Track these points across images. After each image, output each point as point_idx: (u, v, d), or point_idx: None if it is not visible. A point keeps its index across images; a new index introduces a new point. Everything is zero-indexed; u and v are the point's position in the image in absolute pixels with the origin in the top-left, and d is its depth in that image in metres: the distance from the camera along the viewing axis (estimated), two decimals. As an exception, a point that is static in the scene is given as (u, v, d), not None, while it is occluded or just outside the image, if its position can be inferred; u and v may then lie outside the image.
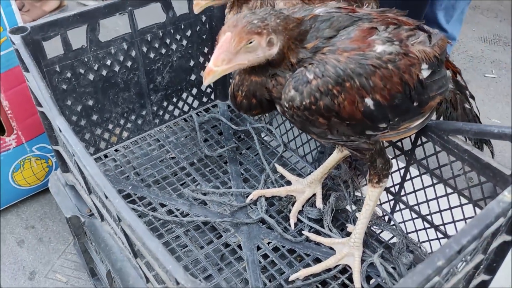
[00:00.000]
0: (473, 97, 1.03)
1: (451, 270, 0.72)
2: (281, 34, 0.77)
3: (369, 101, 0.80)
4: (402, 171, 1.08)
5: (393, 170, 1.03)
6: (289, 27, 0.78)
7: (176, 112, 1.46)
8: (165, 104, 1.41)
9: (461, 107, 1.01)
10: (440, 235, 1.05)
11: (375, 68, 0.78)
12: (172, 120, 1.45)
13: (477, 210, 0.94)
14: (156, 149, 1.38)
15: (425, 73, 0.84)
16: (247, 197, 1.21)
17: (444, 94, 0.91)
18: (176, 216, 1.18)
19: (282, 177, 1.27)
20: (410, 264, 1.04)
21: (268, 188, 1.24)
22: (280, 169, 1.28)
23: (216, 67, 0.74)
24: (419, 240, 1.09)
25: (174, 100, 1.43)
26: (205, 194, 1.23)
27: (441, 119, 1.00)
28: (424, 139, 0.97)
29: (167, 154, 1.37)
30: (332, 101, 0.78)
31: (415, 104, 0.85)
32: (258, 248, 1.11)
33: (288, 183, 1.24)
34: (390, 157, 1.01)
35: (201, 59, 1.41)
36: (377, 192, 1.01)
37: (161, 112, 1.42)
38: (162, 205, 1.21)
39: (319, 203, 1.19)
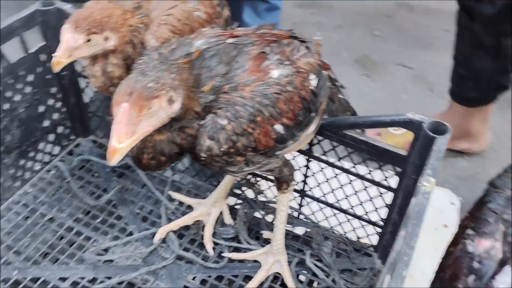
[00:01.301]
0: (343, 87, 1.10)
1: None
2: (179, 88, 0.71)
3: (279, 127, 0.80)
4: (304, 169, 1.12)
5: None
6: (183, 77, 0.72)
7: (37, 166, 1.27)
8: (22, 162, 1.22)
9: (337, 99, 1.07)
10: (349, 217, 1.13)
11: (278, 95, 0.78)
12: (35, 177, 1.27)
13: (381, 189, 1.03)
14: (28, 216, 1.19)
15: (314, 83, 0.87)
16: (153, 237, 1.14)
17: (327, 95, 0.96)
18: (84, 287, 1.05)
19: (182, 203, 1.22)
20: (331, 251, 1.11)
21: (171, 220, 1.18)
22: (176, 195, 1.23)
23: (120, 144, 0.65)
24: (331, 227, 1.16)
25: (32, 154, 1.24)
26: (106, 250, 1.12)
27: (324, 116, 1.05)
28: (320, 138, 1.02)
29: (44, 218, 1.19)
30: (248, 139, 0.76)
31: (312, 114, 0.88)
32: (186, 288, 1.07)
33: (190, 208, 1.20)
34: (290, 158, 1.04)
35: (51, 101, 1.24)
36: (288, 196, 1.04)
37: (20, 173, 1.22)
38: (63, 279, 1.07)
39: (228, 219, 1.17)
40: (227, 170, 0.82)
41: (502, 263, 0.82)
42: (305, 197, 1.17)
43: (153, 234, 1.14)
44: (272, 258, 1.08)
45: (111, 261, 1.10)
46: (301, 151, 1.08)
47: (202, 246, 1.14)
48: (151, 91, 0.67)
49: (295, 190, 1.16)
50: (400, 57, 2.37)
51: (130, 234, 1.16)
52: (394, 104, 2.08)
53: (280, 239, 1.07)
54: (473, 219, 0.87)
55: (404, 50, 2.41)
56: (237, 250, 1.13)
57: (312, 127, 0.93)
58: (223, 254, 1.11)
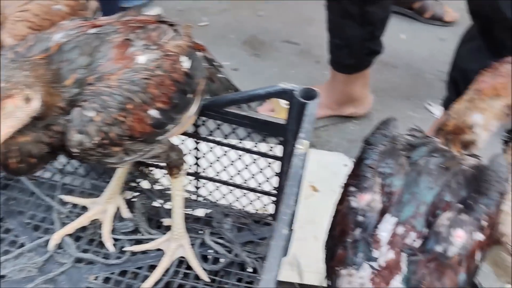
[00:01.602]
0: (221, 66, 1.12)
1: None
2: (35, 85, 0.68)
3: (153, 112, 0.80)
4: (194, 151, 1.13)
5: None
6: (39, 73, 0.70)
7: None
8: None
9: (216, 78, 1.09)
10: (245, 191, 1.17)
11: (147, 80, 0.78)
12: None
13: (269, 160, 1.07)
14: None
15: (186, 65, 0.88)
16: (47, 245, 1.09)
17: (204, 75, 0.97)
18: (-24, 308, 0.99)
19: (76, 205, 1.18)
20: (232, 226, 1.14)
21: (66, 224, 1.14)
22: (68, 198, 1.18)
23: None
24: (229, 203, 1.19)
25: None
26: (-3, 266, 1.06)
27: (206, 96, 1.06)
28: (204, 118, 1.03)
29: None
30: (121, 128, 0.75)
31: (189, 95, 0.89)
32: (88, 289, 1.04)
33: (86, 209, 1.16)
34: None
35: None
36: (180, 180, 1.05)
37: None
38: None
39: (125, 213, 1.15)
40: (106, 162, 0.81)
41: (382, 213, 0.89)
42: (200, 179, 1.18)
43: (47, 243, 1.09)
44: (175, 244, 1.08)
45: (2, 276, 1.04)
46: (188, 134, 1.09)
47: (102, 245, 1.12)
48: (3, 92, 0.64)
49: (189, 174, 1.17)
50: (285, 35, 2.45)
51: (22, 245, 1.10)
52: (285, 79, 2.13)
53: (179, 224, 1.08)
54: (354, 176, 0.94)
55: (288, 27, 2.50)
56: (139, 242, 1.12)
57: (193, 109, 0.94)
58: (124, 249, 1.10)
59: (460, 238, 0.83)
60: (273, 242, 0.65)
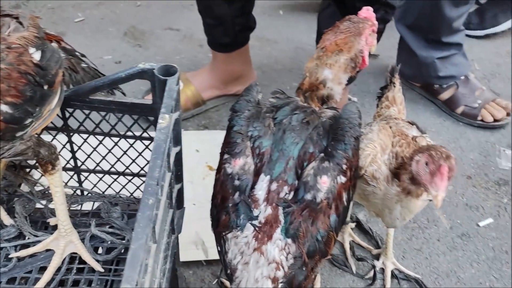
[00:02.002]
0: (84, 56, 1.10)
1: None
2: None
3: (4, 107, 0.77)
4: (68, 145, 1.10)
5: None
6: None
7: None
8: None
9: (80, 68, 1.07)
10: (129, 177, 1.17)
11: (-10, 74, 0.75)
12: None
13: (145, 142, 1.08)
14: None
15: (37, 56, 0.85)
16: None
17: (62, 66, 0.95)
18: None
19: None
20: (121, 214, 1.14)
21: None
22: None
23: None
24: (117, 193, 1.18)
25: None
26: None
27: (71, 86, 1.04)
28: (71, 109, 1.01)
29: None
30: None
31: (45, 87, 0.87)
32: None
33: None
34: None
35: None
36: (57, 176, 1.02)
37: None
38: None
39: (6, 220, 1.11)
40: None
41: (257, 173, 0.94)
42: (81, 173, 1.16)
43: None
44: (63, 241, 1.06)
45: None
46: (58, 128, 1.06)
47: (-15, 258, 1.06)
48: None
49: (68, 169, 1.14)
50: (165, 22, 2.44)
51: None
52: (170, 66, 2.16)
53: (65, 220, 1.05)
54: (226, 144, 0.98)
55: (168, 15, 2.49)
56: (26, 246, 1.08)
57: (54, 101, 0.92)
58: (10, 256, 1.06)
59: (325, 184, 0.90)
60: (139, 213, 0.67)
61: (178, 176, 1.01)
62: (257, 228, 0.90)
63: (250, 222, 0.91)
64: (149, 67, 0.92)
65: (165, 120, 0.80)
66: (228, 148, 0.95)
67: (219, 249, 0.96)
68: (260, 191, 0.93)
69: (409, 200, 1.10)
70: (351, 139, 0.93)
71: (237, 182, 0.92)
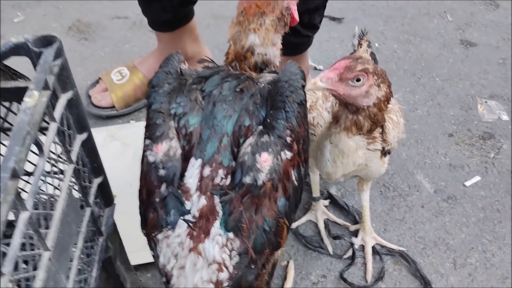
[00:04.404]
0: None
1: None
2: None
3: None
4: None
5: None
6: None
7: None
8: None
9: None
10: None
11: None
12: None
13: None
14: None
15: None
16: None
17: None
18: None
19: None
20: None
21: None
22: None
23: None
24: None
25: None
26: None
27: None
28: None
29: None
30: None
31: None
32: None
33: None
34: None
35: None
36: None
37: None
38: None
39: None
40: None
41: (186, 158, 0.79)
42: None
43: None
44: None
45: None
46: None
47: None
48: None
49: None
50: (113, 11, 2.27)
51: None
52: (119, 56, 1.99)
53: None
54: (147, 128, 0.83)
55: (115, 3, 2.31)
56: None
57: None
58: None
59: (266, 162, 0.75)
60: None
61: (95, 169, 0.86)
62: (191, 224, 0.75)
63: (182, 218, 0.76)
64: (22, 40, 0.75)
65: (33, 98, 0.64)
66: (149, 132, 0.80)
67: (152, 253, 0.81)
68: (191, 179, 0.78)
69: (338, 136, 0.94)
70: (293, 105, 0.78)
71: (162, 172, 0.77)
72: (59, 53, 0.75)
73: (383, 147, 0.98)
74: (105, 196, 0.96)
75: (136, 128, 1.64)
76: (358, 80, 0.83)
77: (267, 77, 0.85)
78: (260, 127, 0.78)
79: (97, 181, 0.91)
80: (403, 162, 1.53)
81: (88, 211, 0.86)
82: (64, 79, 0.77)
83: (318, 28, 1.45)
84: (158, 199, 0.77)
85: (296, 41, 1.42)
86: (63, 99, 0.77)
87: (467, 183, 1.46)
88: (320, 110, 0.99)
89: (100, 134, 1.62)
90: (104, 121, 1.72)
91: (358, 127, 0.89)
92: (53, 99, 0.78)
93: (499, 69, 1.87)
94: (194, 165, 0.78)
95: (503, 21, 2.09)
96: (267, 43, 0.85)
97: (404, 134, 1.11)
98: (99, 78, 1.78)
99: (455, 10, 2.17)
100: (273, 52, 0.87)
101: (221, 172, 0.77)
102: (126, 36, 2.12)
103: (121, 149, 1.57)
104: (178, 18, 1.54)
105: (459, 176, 1.48)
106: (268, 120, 0.77)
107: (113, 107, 1.71)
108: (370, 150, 0.96)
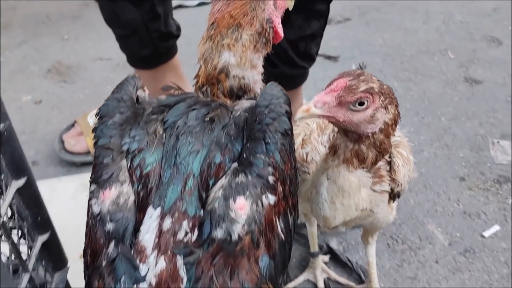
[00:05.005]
0: None
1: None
2: None
3: None
4: None
5: None
6: None
7: None
8: None
9: None
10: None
11: None
12: None
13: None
14: None
15: None
16: None
17: None
18: None
19: None
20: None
21: None
22: None
23: None
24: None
25: None
26: None
27: None
28: None
29: None
30: None
31: None
32: None
33: None
34: None
35: None
36: None
37: None
38: None
39: None
40: None
41: (141, 207, 0.62)
42: None
43: None
44: None
45: None
46: None
47: None
48: None
49: None
50: (96, 52, 2.16)
51: None
52: (99, 97, 1.85)
53: None
54: (93, 169, 0.66)
55: (98, 45, 2.20)
56: None
57: None
58: None
59: (242, 210, 0.58)
60: None
61: (39, 224, 0.69)
62: (147, 294, 0.57)
63: (135, 286, 0.57)
64: None
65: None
66: (94, 175, 0.63)
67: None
68: (148, 234, 0.60)
69: (337, 170, 0.75)
70: (275, 136, 0.62)
71: (110, 226, 0.59)
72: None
73: (391, 189, 0.80)
74: (54, 257, 0.78)
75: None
76: (361, 104, 0.66)
77: (244, 104, 0.69)
78: (235, 164, 0.61)
79: (41, 239, 0.74)
80: (411, 210, 1.35)
81: (25, 277, 0.68)
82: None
83: (314, 59, 1.31)
84: (105, 262, 0.59)
85: (291, 72, 1.28)
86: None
87: (486, 234, 1.27)
88: (315, 144, 0.82)
89: (72, 183, 1.45)
90: (78, 168, 1.56)
91: (360, 159, 0.72)
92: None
93: (508, 107, 1.72)
94: (152, 216, 0.61)
95: (507, 57, 1.98)
96: (244, 64, 0.69)
97: (416, 173, 0.94)
98: (75, 121, 1.63)
99: (456, 48, 2.05)
100: (253, 76, 0.71)
101: (185, 225, 0.59)
102: (108, 77, 1.99)
103: (94, 198, 1.40)
104: (158, 53, 1.40)
105: (476, 225, 1.30)
106: (245, 155, 0.61)
107: (88, 152, 1.55)
108: (376, 192, 0.78)
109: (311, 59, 1.29)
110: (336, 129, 0.74)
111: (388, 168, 0.79)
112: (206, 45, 0.70)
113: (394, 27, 2.19)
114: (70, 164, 1.57)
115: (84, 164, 1.56)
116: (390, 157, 0.80)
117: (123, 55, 1.38)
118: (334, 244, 1.23)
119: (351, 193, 0.75)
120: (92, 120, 1.59)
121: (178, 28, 1.44)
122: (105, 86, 1.93)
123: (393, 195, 0.83)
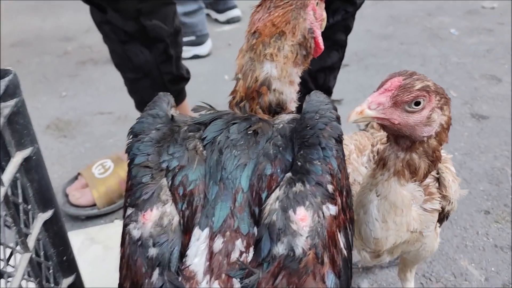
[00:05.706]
0: None
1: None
2: None
3: None
4: None
5: None
6: None
7: None
8: None
9: None
10: None
11: None
12: None
13: None
14: None
15: None
16: None
17: None
18: None
19: None
20: None
21: None
22: None
23: None
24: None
25: None
26: None
27: None
28: None
29: None
30: None
31: None
32: None
33: None
34: None
35: None
36: None
37: None
38: None
39: None
40: None
41: (186, 229, 0.55)
42: None
43: None
44: None
45: None
46: None
47: None
48: None
49: None
50: (96, 107, 2.12)
51: None
52: (101, 151, 1.80)
53: None
54: (128, 191, 0.59)
55: (98, 99, 2.18)
56: None
57: None
58: None
59: (304, 221, 0.52)
60: None
61: (64, 264, 0.61)
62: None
63: (186, 318, 0.50)
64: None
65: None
66: (131, 197, 0.56)
67: None
68: (197, 258, 0.53)
69: (387, 184, 0.69)
70: (330, 141, 0.56)
71: (153, 251, 0.52)
72: (13, 91, 0.56)
73: (442, 207, 0.74)
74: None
75: (121, 228, 1.39)
76: (417, 104, 0.62)
77: (285, 117, 0.64)
78: (289, 174, 0.55)
79: (66, 281, 0.66)
80: (441, 247, 1.28)
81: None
82: (20, 129, 0.57)
83: (331, 94, 1.29)
84: (150, 292, 0.51)
85: None
86: (18, 157, 0.55)
87: (523, 266, 1.20)
88: (356, 165, 0.77)
89: (78, 237, 1.36)
90: (82, 223, 1.47)
91: (412, 170, 0.66)
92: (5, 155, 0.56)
93: (520, 139, 1.70)
94: (200, 237, 0.54)
95: (509, 94, 1.99)
96: (285, 77, 0.65)
97: (466, 191, 0.88)
98: (79, 174, 1.56)
99: (458, 86, 2.07)
100: (290, 93, 0.67)
101: (239, 243, 0.52)
102: (110, 130, 1.94)
103: (102, 253, 1.31)
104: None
105: (510, 258, 1.23)
106: (299, 163, 0.55)
107: (94, 205, 1.47)
108: (426, 212, 0.72)
109: (328, 93, 1.27)
110: (382, 140, 0.70)
111: (437, 185, 0.74)
112: (245, 57, 0.66)
113: (393, 70, 2.16)
114: (74, 218, 1.48)
115: (88, 218, 1.48)
116: (437, 173, 0.75)
117: (124, 109, 1.34)
118: (365, 284, 1.14)
119: (404, 209, 0.68)
120: (97, 171, 1.52)
121: (188, 72, 1.42)
122: (107, 139, 1.88)
123: (443, 215, 0.77)
